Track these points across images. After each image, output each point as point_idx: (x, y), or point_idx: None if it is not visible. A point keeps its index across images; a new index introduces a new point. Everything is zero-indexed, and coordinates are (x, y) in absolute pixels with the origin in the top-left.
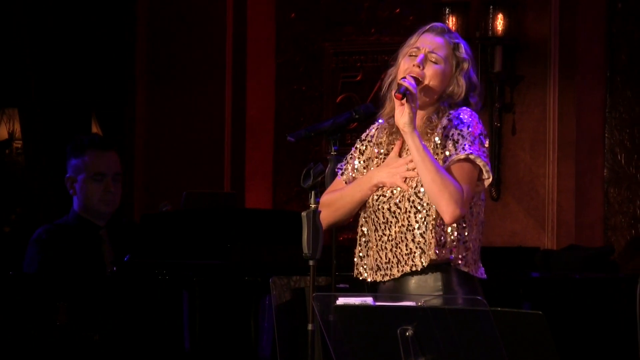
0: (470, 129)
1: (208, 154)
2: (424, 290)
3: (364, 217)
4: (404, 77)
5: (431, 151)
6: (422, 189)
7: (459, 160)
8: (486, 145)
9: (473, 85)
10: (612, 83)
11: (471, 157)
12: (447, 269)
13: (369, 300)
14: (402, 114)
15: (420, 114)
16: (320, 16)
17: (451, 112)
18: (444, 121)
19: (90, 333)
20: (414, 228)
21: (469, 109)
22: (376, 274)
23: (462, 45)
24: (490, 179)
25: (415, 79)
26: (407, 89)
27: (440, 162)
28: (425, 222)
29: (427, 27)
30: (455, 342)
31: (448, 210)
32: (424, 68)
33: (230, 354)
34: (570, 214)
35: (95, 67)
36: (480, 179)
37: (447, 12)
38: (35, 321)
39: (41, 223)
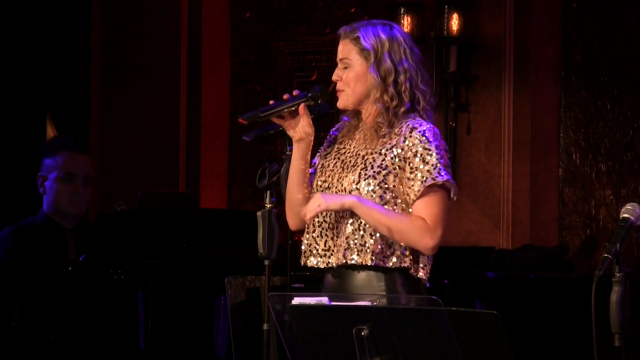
0: (437, 151)
1: (163, 154)
2: (368, 290)
3: None
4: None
5: (389, 158)
6: (363, 185)
7: (435, 186)
8: (449, 163)
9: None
10: (566, 83)
11: (447, 184)
12: (390, 271)
13: (324, 300)
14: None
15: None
16: (275, 16)
17: (412, 123)
18: (405, 131)
19: (45, 333)
20: (349, 223)
21: (428, 123)
22: (310, 259)
23: (361, 36)
24: (455, 198)
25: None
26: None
27: (405, 179)
28: (359, 223)
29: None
30: (411, 341)
31: (421, 245)
32: (341, 78)
33: (185, 353)
34: (525, 213)
35: (49, 67)
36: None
37: (401, 12)
38: None
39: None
